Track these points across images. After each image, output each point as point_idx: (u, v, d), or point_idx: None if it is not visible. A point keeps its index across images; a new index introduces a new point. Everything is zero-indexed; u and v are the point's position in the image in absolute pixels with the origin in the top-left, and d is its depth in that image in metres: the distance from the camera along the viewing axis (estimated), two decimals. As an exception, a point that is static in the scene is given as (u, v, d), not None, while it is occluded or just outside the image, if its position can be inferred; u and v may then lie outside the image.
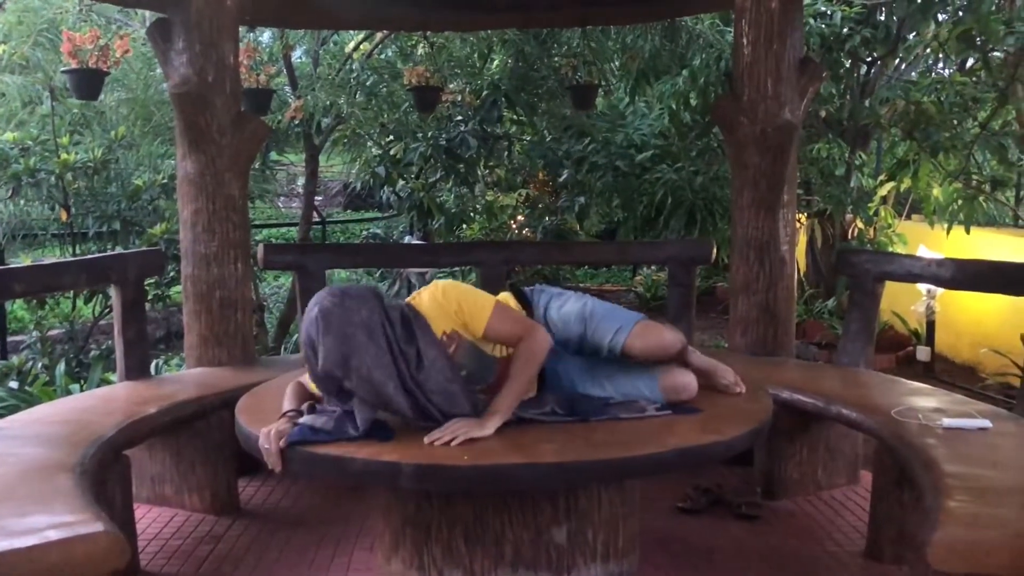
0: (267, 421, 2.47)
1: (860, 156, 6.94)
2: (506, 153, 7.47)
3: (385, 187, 7.01)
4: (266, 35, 5.57)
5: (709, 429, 2.42)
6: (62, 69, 4.08)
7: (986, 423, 2.79)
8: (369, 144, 7.00)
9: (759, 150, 3.85)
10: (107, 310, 5.21)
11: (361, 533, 3.19)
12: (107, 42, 4.00)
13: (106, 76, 4.06)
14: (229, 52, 3.74)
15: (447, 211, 6.82)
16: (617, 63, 6.50)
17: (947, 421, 2.82)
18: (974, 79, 4.99)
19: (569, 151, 6.49)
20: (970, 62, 5.41)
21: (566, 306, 2.67)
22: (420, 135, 6.25)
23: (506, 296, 2.71)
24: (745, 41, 3.84)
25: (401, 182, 6.48)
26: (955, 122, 4.89)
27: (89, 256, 4.21)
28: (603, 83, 6.48)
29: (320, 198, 14.82)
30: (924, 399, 3.15)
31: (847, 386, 3.38)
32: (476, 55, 6.63)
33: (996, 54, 4.93)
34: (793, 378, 3.51)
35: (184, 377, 3.68)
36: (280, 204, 15.93)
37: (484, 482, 2.18)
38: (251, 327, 3.96)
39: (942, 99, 4.82)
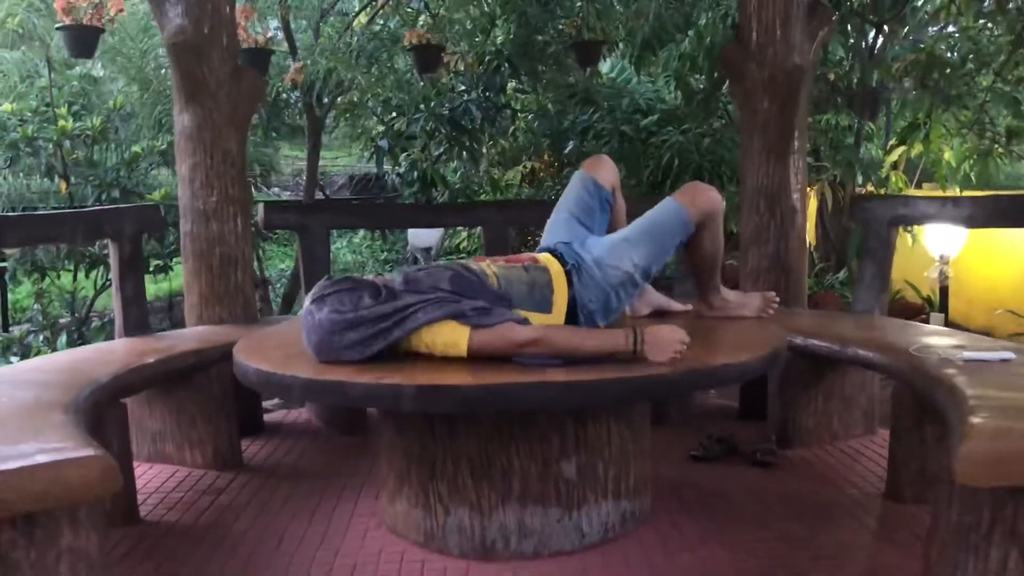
0: (266, 358, 2.41)
1: (869, 127, 6.82)
2: (511, 127, 7.37)
3: (390, 170, 6.94)
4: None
5: (723, 353, 2.34)
6: (56, 26, 4.01)
7: (1009, 355, 2.69)
8: (373, 120, 6.92)
9: (769, 95, 3.76)
10: (108, 282, 5.15)
11: (367, 484, 3.10)
12: (101, 0, 3.92)
13: (101, 33, 3.99)
14: (224, 3, 3.66)
15: (451, 185, 6.73)
16: (622, 29, 6.39)
17: (968, 354, 2.72)
18: (988, 25, 4.88)
19: (575, 120, 6.39)
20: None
21: (606, 254, 2.62)
22: (423, 107, 6.16)
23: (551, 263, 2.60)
24: (752, -18, 3.75)
25: (403, 156, 6.40)
26: (970, 67, 4.78)
27: (86, 208, 4.14)
28: (607, 48, 6.38)
29: (325, 193, 14.76)
30: (943, 339, 3.05)
31: (862, 330, 3.28)
32: (478, 30, 6.55)
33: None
34: (806, 325, 3.41)
35: (184, 333, 3.60)
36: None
37: (490, 402, 2.09)
38: (252, 285, 3.89)
39: (955, 49, 4.72)
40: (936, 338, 3.08)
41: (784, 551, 2.50)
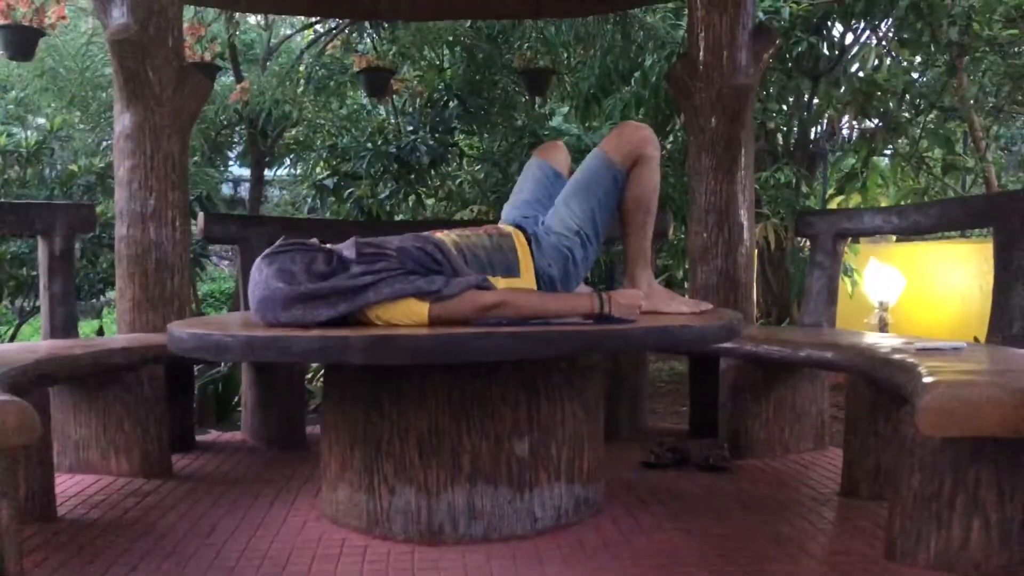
0: (203, 328, 2.28)
1: (805, 186, 6.98)
2: (459, 179, 7.36)
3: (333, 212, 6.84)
4: (214, 27, 5.44)
5: (683, 321, 2.29)
6: (-7, 25, 3.89)
7: (961, 344, 2.70)
8: (319, 162, 6.85)
9: (716, 113, 3.81)
10: (36, 308, 4.94)
11: (307, 486, 2.94)
12: (43, 2, 3.83)
13: (40, 36, 3.89)
14: (171, 3, 3.60)
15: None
16: (567, 80, 6.50)
17: (920, 344, 2.73)
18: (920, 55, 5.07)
19: (521, 163, 6.41)
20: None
21: (549, 219, 2.60)
22: (370, 145, 6.13)
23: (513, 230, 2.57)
24: (699, 4, 3.84)
25: (348, 193, 6.32)
26: (905, 97, 4.93)
27: (16, 202, 3.97)
28: (553, 97, 6.46)
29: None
30: (894, 339, 3.06)
31: (813, 337, 3.27)
32: (425, 81, 6.60)
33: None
34: (757, 335, 3.39)
35: (115, 339, 3.43)
36: (225, 266, 15.66)
37: (438, 352, 1.98)
38: (188, 293, 3.74)
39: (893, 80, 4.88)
40: (888, 339, 3.10)
41: (743, 536, 2.40)
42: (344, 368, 2.40)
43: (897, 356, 2.52)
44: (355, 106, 6.35)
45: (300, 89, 5.60)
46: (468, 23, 5.87)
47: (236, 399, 4.68)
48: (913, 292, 6.45)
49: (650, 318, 2.21)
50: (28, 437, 1.78)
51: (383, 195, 6.46)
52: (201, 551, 2.29)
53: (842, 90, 6.71)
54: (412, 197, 6.46)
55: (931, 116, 5.08)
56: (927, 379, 2.03)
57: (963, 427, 1.86)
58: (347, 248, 2.30)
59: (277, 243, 2.28)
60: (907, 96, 5.05)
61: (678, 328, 2.17)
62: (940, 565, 2.07)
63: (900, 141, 5.37)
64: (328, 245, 2.32)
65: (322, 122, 5.90)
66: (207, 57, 4.56)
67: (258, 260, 2.24)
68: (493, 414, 2.31)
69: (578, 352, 2.27)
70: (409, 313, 2.17)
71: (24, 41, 3.83)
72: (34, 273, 4.63)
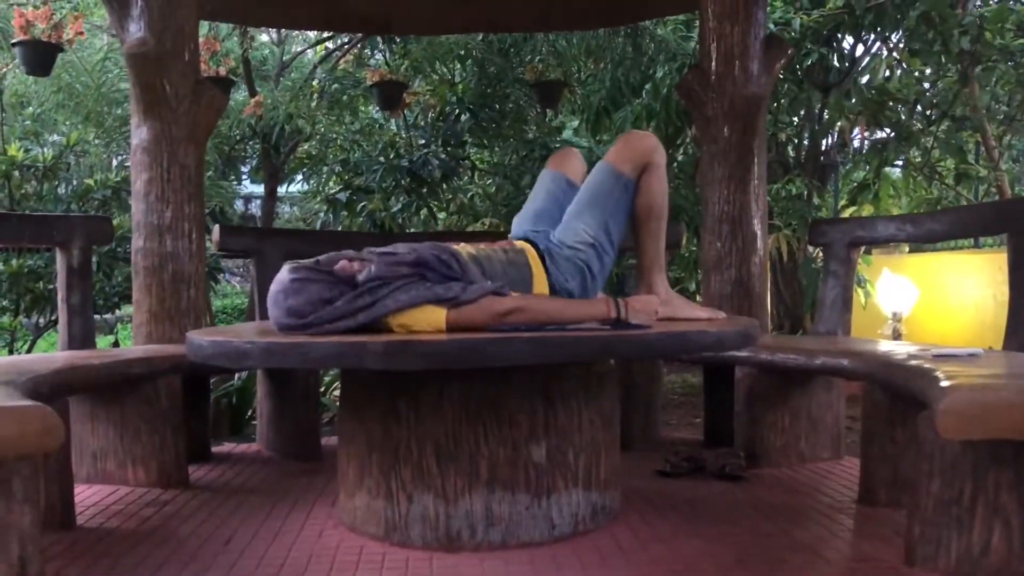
0: (221, 336, 2.30)
1: (817, 198, 6.98)
2: (470, 193, 7.38)
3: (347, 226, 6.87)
4: (227, 42, 5.51)
5: (700, 327, 2.29)
6: (13, 42, 3.94)
7: (978, 351, 2.69)
8: (332, 176, 6.89)
9: (728, 123, 3.82)
10: (52, 322, 4.97)
11: (323, 494, 2.95)
12: (61, 19, 3.88)
13: (59, 52, 3.93)
14: (187, 18, 3.65)
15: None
16: (579, 93, 6.53)
17: (936, 350, 2.73)
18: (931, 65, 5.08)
19: (534, 177, 6.43)
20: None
21: (561, 234, 2.59)
22: (382, 159, 6.16)
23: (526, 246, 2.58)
24: (711, 15, 3.86)
25: (360, 206, 6.35)
26: (917, 107, 4.94)
27: (35, 214, 4.01)
28: (564, 110, 6.49)
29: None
30: (910, 346, 3.06)
31: (828, 345, 3.27)
32: (437, 95, 6.65)
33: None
34: (772, 343, 3.39)
35: (132, 349, 3.45)
36: (236, 282, 15.73)
37: (456, 357, 1.99)
38: (204, 305, 3.76)
39: (904, 90, 4.90)
40: (903, 346, 3.09)
41: (759, 542, 2.40)
42: (361, 375, 2.42)
43: (914, 362, 2.51)
44: (367, 120, 6.39)
45: (313, 103, 5.65)
46: (479, 37, 5.91)
47: (251, 411, 4.69)
48: (927, 303, 6.43)
49: (667, 324, 2.22)
50: (52, 442, 1.79)
51: (395, 208, 6.49)
52: (220, 559, 2.30)
53: (853, 101, 6.74)
54: (424, 210, 6.49)
55: (943, 126, 5.08)
56: (945, 383, 2.03)
57: (983, 430, 1.85)
58: (369, 257, 2.31)
59: (308, 260, 2.28)
60: (919, 106, 5.06)
61: (695, 333, 2.17)
62: (961, 570, 2.06)
63: (912, 151, 5.37)
64: (367, 251, 2.32)
65: (334, 136, 5.93)
66: (222, 72, 4.60)
67: (281, 271, 2.25)
68: (510, 420, 2.31)
69: (595, 356, 2.27)
70: (427, 319, 2.17)
71: (42, 57, 3.88)
72: (51, 287, 4.65)
